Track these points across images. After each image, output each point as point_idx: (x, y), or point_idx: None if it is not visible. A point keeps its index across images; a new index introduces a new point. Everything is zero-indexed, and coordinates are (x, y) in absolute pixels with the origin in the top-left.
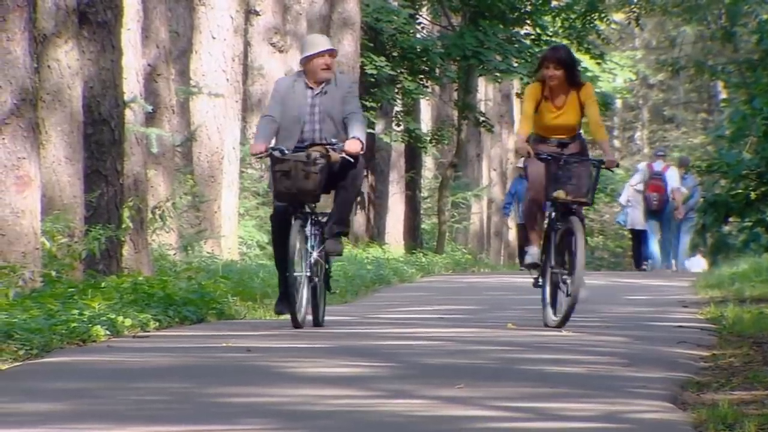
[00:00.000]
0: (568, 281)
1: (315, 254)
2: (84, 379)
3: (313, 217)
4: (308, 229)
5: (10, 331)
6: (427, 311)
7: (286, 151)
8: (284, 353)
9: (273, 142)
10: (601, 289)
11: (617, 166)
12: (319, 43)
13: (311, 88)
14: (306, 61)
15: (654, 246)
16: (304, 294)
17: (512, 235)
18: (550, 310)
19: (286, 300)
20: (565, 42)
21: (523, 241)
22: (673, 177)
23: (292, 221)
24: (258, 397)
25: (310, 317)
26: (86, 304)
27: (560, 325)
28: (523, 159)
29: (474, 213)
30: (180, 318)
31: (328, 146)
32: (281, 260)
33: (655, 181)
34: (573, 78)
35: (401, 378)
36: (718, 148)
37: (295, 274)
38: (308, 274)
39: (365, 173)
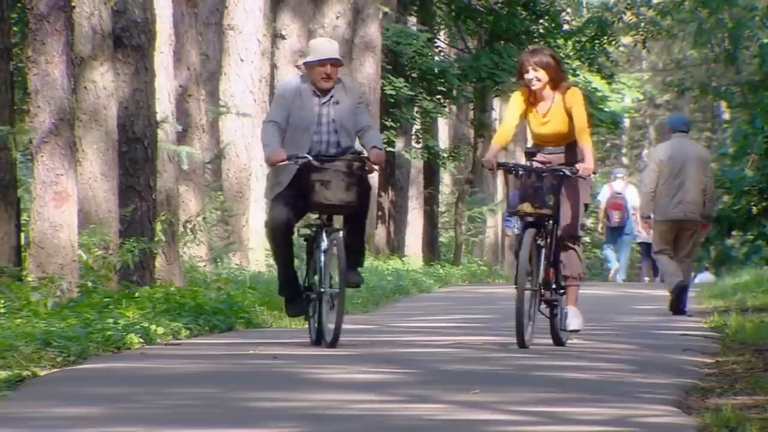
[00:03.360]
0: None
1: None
2: (119, 384)
3: (331, 230)
4: (325, 243)
5: (48, 339)
6: (445, 320)
7: (314, 161)
8: (309, 360)
9: None
10: (610, 299)
11: (595, 173)
12: (323, 50)
13: (318, 95)
14: (308, 67)
15: (613, 258)
16: (325, 309)
17: None
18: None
19: (297, 302)
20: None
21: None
22: (632, 195)
23: (324, 236)
24: (285, 401)
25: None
26: (121, 313)
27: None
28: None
29: (489, 227)
30: (210, 326)
31: (361, 157)
32: (287, 264)
33: (615, 200)
34: (556, 81)
35: (421, 383)
36: (721, 165)
37: (321, 289)
38: (326, 289)
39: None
